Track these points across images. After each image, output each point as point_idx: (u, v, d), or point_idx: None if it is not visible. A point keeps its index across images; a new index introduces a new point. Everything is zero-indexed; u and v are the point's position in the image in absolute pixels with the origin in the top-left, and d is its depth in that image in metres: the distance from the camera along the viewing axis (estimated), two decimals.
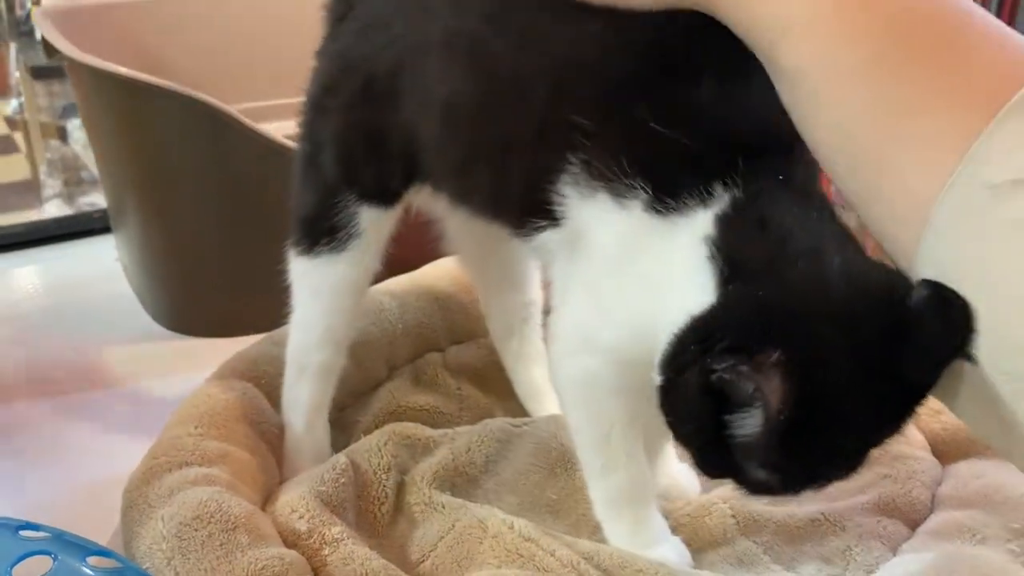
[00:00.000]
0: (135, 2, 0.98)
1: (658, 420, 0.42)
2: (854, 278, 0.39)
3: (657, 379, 0.41)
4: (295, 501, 0.52)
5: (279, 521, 0.52)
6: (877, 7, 0.37)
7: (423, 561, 0.52)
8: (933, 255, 0.36)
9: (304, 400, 0.60)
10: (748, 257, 0.40)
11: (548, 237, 0.45)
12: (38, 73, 2.37)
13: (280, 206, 0.77)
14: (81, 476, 0.67)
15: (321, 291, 0.58)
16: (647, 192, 0.41)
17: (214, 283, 0.81)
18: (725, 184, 0.41)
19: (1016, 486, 0.51)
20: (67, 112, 2.49)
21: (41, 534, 0.48)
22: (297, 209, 0.58)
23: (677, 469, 0.57)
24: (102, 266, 0.94)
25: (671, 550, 0.49)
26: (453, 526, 0.52)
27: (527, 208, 0.45)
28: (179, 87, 0.70)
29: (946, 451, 0.57)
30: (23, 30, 2.88)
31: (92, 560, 0.47)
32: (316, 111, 0.55)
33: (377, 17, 0.52)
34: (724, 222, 0.40)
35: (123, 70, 0.69)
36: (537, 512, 0.56)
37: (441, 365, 0.69)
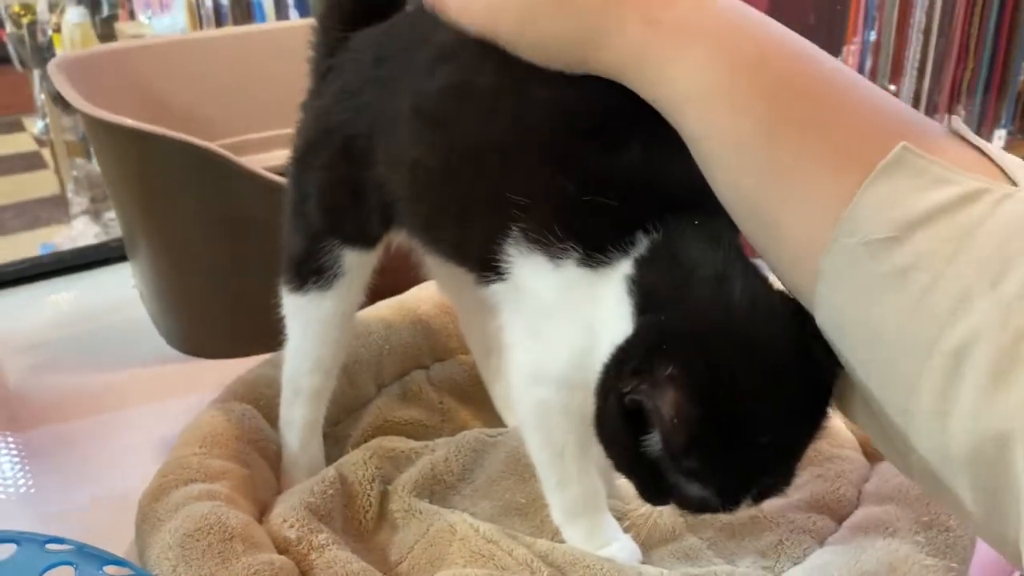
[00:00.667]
0: (142, 47, 1.05)
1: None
2: (756, 302, 0.43)
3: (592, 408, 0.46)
4: (286, 512, 0.59)
5: (272, 530, 0.58)
6: (762, 81, 0.41)
7: (401, 562, 0.58)
8: (826, 302, 0.40)
9: (298, 420, 0.66)
10: (657, 289, 0.44)
11: (497, 288, 0.51)
12: (60, 99, 2.46)
13: (276, 237, 0.84)
14: (104, 491, 0.72)
15: (311, 324, 0.64)
16: (578, 252, 0.46)
17: (221, 309, 0.88)
18: (645, 231, 0.46)
19: None
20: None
21: (65, 547, 0.54)
22: (287, 250, 0.64)
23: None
24: (121, 293, 1.01)
25: (620, 548, 0.55)
26: (427, 530, 0.58)
27: (482, 263, 0.50)
28: (180, 135, 0.76)
29: (874, 451, 0.62)
30: (46, 56, 2.98)
31: (109, 569, 0.53)
32: (302, 165, 0.61)
33: (352, 83, 0.57)
34: (641, 262, 0.45)
35: (128, 121, 0.75)
36: (507, 515, 0.62)
37: (425, 381, 0.75)
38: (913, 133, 0.39)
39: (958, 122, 0.40)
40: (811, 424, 0.44)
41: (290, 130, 1.11)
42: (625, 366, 0.43)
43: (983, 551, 0.58)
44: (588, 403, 0.47)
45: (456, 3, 0.49)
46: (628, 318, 0.45)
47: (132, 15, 2.61)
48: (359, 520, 0.61)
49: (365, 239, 0.60)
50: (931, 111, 2.70)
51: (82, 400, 0.83)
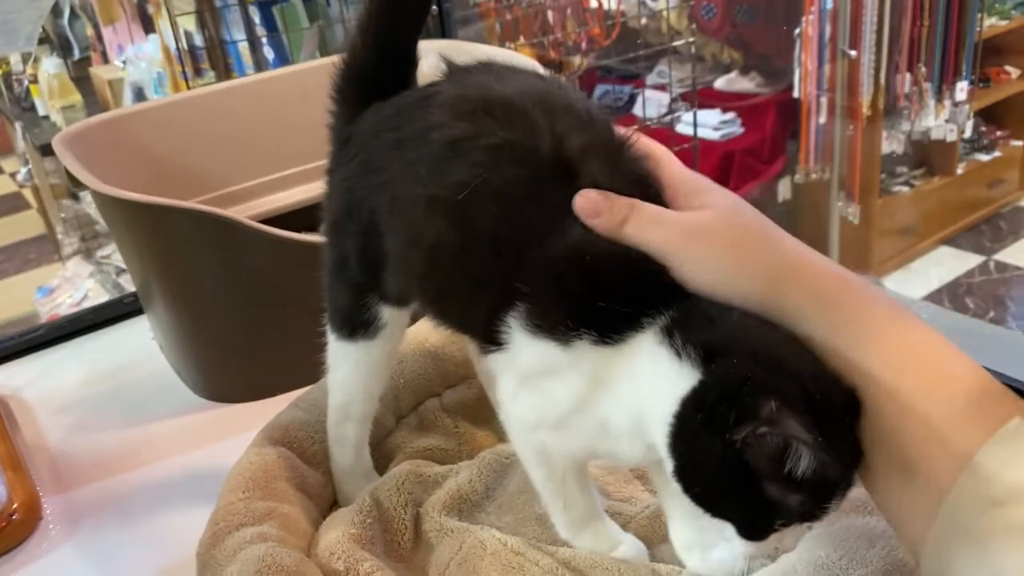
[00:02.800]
0: (135, 112, 1.11)
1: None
2: (792, 337, 0.48)
3: (669, 463, 0.49)
4: (332, 545, 0.65)
5: (321, 563, 0.64)
6: None
7: None
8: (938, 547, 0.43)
9: (352, 437, 0.74)
10: (714, 341, 0.48)
11: (497, 357, 0.56)
12: (45, 150, 2.51)
13: (287, 287, 0.90)
14: (157, 542, 0.78)
15: (360, 366, 0.71)
16: (593, 336, 0.50)
17: (240, 357, 0.94)
18: (656, 313, 0.50)
19: None
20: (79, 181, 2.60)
21: None
22: (333, 301, 0.70)
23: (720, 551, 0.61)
24: (141, 346, 1.07)
25: (629, 548, 0.62)
26: (460, 547, 0.65)
27: (484, 335, 0.55)
28: (188, 204, 0.82)
29: None
30: (24, 106, 3.01)
31: None
32: (338, 230, 0.66)
33: (374, 160, 0.61)
34: (673, 326, 0.49)
35: (142, 197, 0.81)
36: (528, 524, 0.68)
37: (439, 408, 0.82)
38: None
39: None
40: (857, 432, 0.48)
41: (282, 173, 1.18)
42: (721, 414, 0.46)
43: None
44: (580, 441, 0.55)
45: (633, 227, 0.50)
46: (687, 370, 0.48)
47: (105, 58, 2.66)
48: (398, 543, 0.68)
49: (397, 300, 0.66)
50: (892, 71, 2.78)
51: (123, 456, 0.89)
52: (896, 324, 0.48)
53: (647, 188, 0.54)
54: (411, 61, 0.65)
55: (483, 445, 0.78)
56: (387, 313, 0.67)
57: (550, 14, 2.20)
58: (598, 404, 0.52)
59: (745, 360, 0.47)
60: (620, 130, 0.57)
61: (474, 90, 0.57)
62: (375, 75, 0.64)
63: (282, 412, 0.79)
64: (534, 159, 0.52)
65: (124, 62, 2.13)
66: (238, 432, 0.78)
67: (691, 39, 2.67)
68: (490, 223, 0.52)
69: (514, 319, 0.52)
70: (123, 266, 2.92)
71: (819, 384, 0.46)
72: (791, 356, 0.47)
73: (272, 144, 1.15)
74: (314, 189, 1.15)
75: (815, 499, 0.47)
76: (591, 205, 0.51)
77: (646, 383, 0.50)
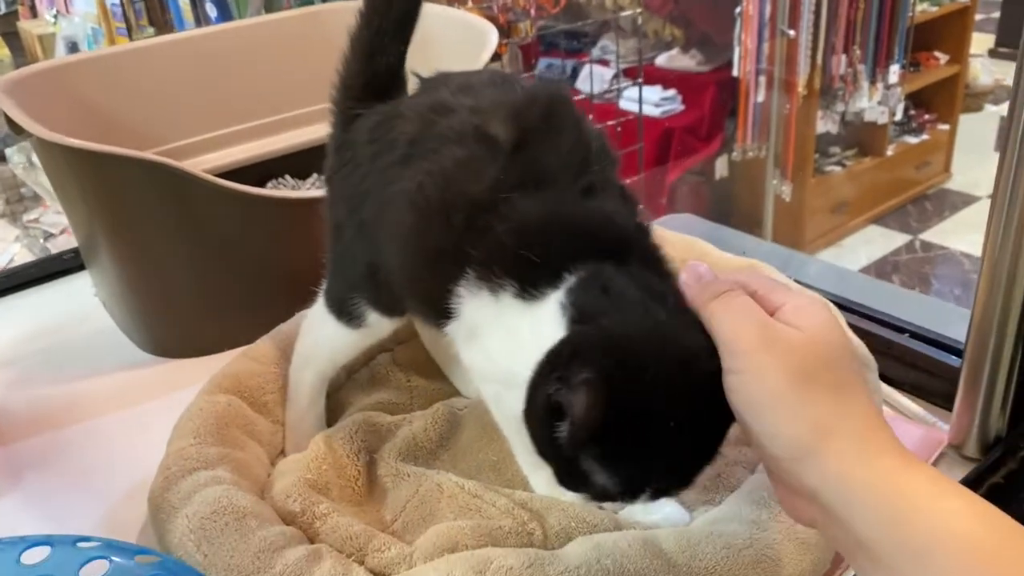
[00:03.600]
0: (80, 61, 1.08)
1: None
2: (672, 327, 0.48)
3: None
4: (288, 488, 0.66)
5: (277, 505, 0.65)
6: None
7: (396, 520, 0.65)
8: None
9: (309, 381, 0.75)
10: (586, 308, 0.50)
11: (452, 327, 0.58)
12: (11, 122, 2.40)
13: (237, 241, 0.89)
14: (104, 491, 0.77)
15: (335, 340, 0.72)
16: (514, 287, 0.53)
17: (188, 311, 0.93)
18: (571, 272, 0.52)
19: None
20: (6, 141, 2.53)
21: (94, 544, 0.60)
22: (331, 280, 0.71)
23: (668, 507, 0.65)
24: (82, 303, 1.05)
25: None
26: (417, 490, 0.66)
27: (440, 311, 0.58)
28: (140, 154, 0.81)
29: None
30: None
31: (139, 559, 0.60)
32: (341, 233, 0.68)
33: (359, 168, 0.64)
34: (574, 289, 0.51)
35: (91, 145, 0.79)
36: (483, 471, 0.70)
37: (391, 363, 0.82)
38: None
39: None
40: (714, 441, 0.49)
41: (228, 130, 1.16)
42: (552, 369, 0.48)
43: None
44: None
45: (720, 305, 0.48)
46: (558, 329, 0.50)
47: (34, 12, 2.57)
48: (352, 488, 0.68)
49: (385, 309, 0.68)
50: (829, 52, 2.84)
51: (67, 409, 0.87)
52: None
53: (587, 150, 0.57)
54: (399, 72, 0.69)
55: (436, 399, 0.79)
56: (373, 317, 0.68)
57: None
58: (521, 359, 0.52)
59: (597, 331, 0.48)
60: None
61: (425, 95, 0.63)
62: (365, 85, 0.68)
63: (231, 361, 0.79)
64: (477, 139, 0.57)
65: (55, 16, 2.06)
66: (185, 386, 0.77)
67: (637, 10, 2.69)
68: (443, 200, 0.56)
69: (464, 283, 0.55)
70: (51, 230, 2.84)
71: (670, 380, 0.46)
72: (650, 341, 0.47)
73: (219, 100, 1.14)
74: (261, 147, 1.14)
75: (622, 483, 0.48)
76: (694, 277, 0.51)
77: (543, 333, 0.51)
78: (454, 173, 0.57)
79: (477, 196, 0.55)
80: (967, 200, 3.31)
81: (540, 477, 0.64)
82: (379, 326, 0.69)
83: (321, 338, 0.74)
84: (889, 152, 3.20)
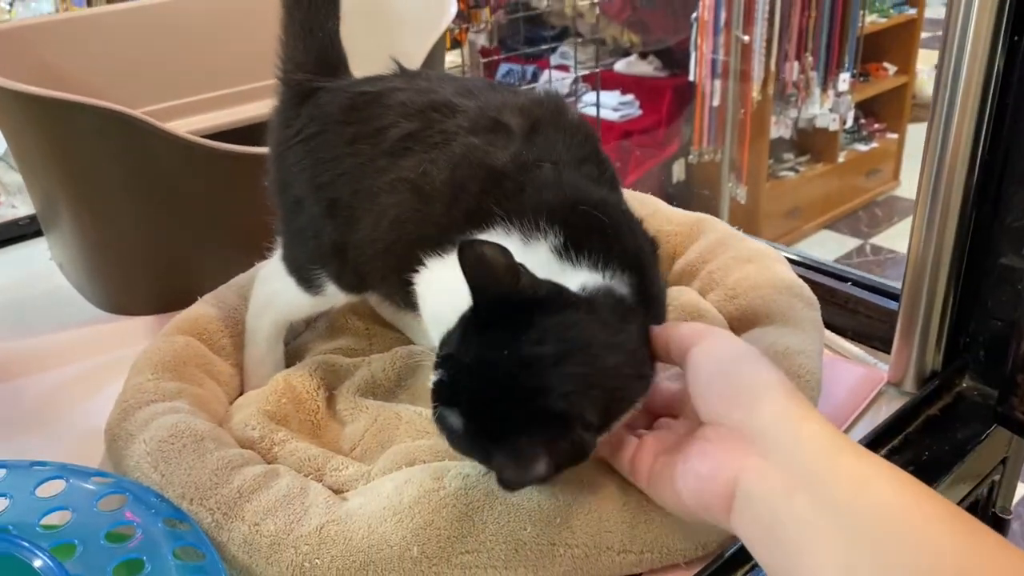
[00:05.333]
0: (38, 24, 1.08)
1: None
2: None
3: None
4: (247, 418, 0.66)
5: (235, 434, 0.65)
6: None
7: (354, 448, 0.66)
8: None
9: (267, 327, 0.76)
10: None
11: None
12: None
13: (196, 196, 0.90)
14: (59, 432, 0.77)
15: (292, 302, 0.74)
16: (557, 239, 0.58)
17: (146, 267, 0.93)
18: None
19: (775, 342, 0.69)
20: None
21: (49, 467, 0.61)
22: (289, 246, 0.72)
23: None
24: (39, 266, 1.04)
25: None
26: (376, 419, 0.67)
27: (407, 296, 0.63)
28: (95, 101, 0.81)
29: (739, 326, 0.74)
30: None
31: (95, 479, 0.60)
32: (298, 208, 0.69)
33: (331, 152, 0.66)
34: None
35: (48, 92, 0.79)
36: None
37: (350, 312, 0.83)
38: None
39: None
40: None
41: (188, 99, 1.16)
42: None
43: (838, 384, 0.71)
44: None
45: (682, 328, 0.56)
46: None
47: None
48: (311, 421, 0.69)
49: (346, 286, 0.70)
50: (782, 58, 2.92)
51: (22, 362, 0.87)
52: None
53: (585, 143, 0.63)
54: (339, 44, 0.72)
55: (395, 345, 0.80)
56: (332, 289, 0.70)
57: None
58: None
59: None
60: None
61: (419, 95, 0.65)
62: (316, 60, 0.70)
63: (191, 307, 0.79)
64: (491, 128, 0.61)
65: (11, 3, 2.04)
66: (142, 342, 0.78)
67: (596, 13, 2.73)
68: (451, 180, 0.60)
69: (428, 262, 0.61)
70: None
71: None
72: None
73: (180, 68, 1.14)
74: (229, 115, 1.15)
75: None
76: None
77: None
78: (467, 157, 0.61)
79: (499, 167, 0.60)
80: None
81: None
82: (336, 297, 0.71)
83: (278, 293, 0.75)
84: (840, 159, 3.28)
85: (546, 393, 0.49)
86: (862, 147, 3.39)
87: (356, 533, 0.54)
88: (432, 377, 0.53)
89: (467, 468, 0.56)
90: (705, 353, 0.53)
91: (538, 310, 0.52)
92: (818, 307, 0.74)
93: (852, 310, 0.82)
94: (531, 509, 0.54)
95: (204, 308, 0.79)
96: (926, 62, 3.62)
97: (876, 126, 3.44)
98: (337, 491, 0.60)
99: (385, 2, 1.17)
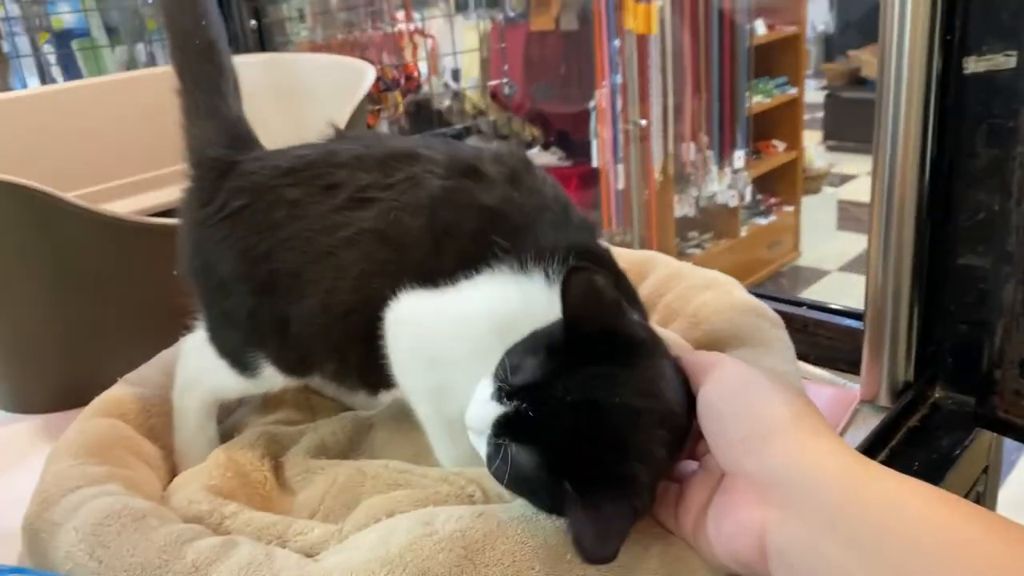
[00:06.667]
0: None
1: None
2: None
3: None
4: (191, 494, 0.59)
5: (180, 512, 0.58)
6: None
7: (314, 515, 0.59)
8: None
9: (194, 407, 0.69)
10: None
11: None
12: None
13: (109, 276, 0.83)
14: None
15: (223, 382, 0.67)
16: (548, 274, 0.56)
17: (54, 359, 0.85)
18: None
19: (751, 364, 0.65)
20: None
21: None
22: (218, 332, 0.66)
23: None
24: None
25: None
26: (335, 480, 0.61)
27: None
28: None
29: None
30: None
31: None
32: (227, 290, 0.63)
33: (266, 217, 0.61)
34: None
35: None
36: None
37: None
38: None
39: None
40: None
41: (118, 182, 1.10)
42: None
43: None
44: None
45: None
46: None
47: None
48: (259, 494, 0.62)
49: (287, 368, 0.64)
50: (679, 139, 3.01)
51: None
52: None
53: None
54: (244, 121, 0.68)
55: (339, 412, 0.74)
56: (269, 372, 0.64)
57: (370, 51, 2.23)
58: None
59: None
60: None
61: (373, 147, 0.62)
62: (230, 135, 0.66)
63: (111, 388, 0.72)
64: (466, 174, 0.59)
65: None
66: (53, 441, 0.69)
67: (493, 118, 2.78)
68: (433, 221, 0.57)
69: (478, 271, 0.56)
70: None
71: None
72: None
73: (103, 151, 1.08)
74: (133, 204, 1.09)
75: None
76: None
77: None
78: (448, 199, 0.58)
79: (492, 205, 0.57)
80: (818, 275, 3.51)
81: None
82: (273, 380, 0.65)
83: (207, 371, 0.68)
84: (743, 233, 3.38)
85: (636, 448, 0.47)
86: (762, 221, 3.50)
87: None
88: (493, 405, 0.49)
89: (458, 510, 0.51)
90: (711, 395, 0.49)
91: (635, 351, 0.49)
92: (783, 326, 0.72)
93: (812, 333, 0.80)
94: (537, 546, 0.48)
95: (126, 388, 0.71)
96: (809, 140, 3.81)
97: (772, 200, 3.57)
98: (307, 556, 0.53)
99: (293, 78, 1.15)
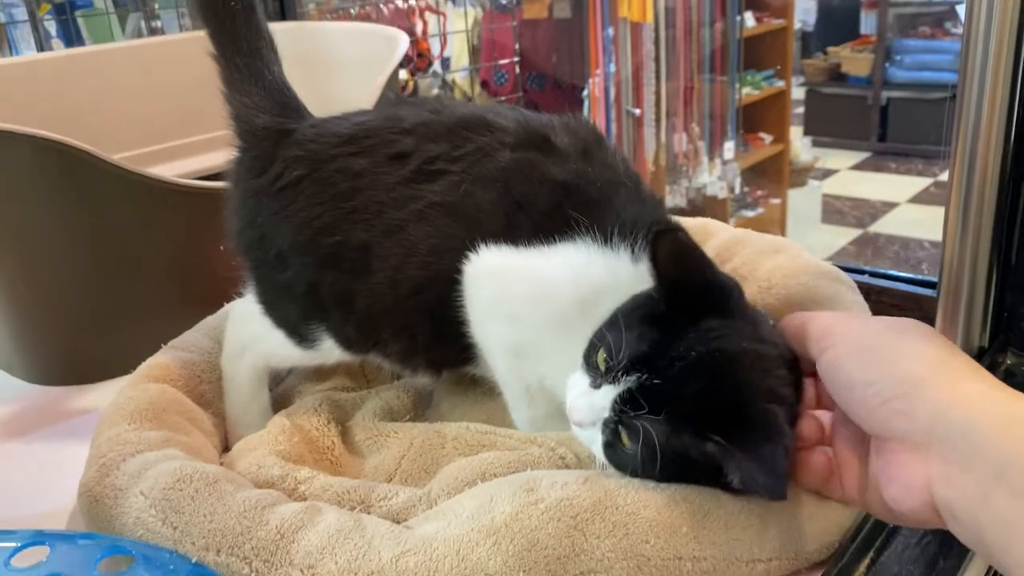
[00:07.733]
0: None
1: None
2: None
3: None
4: (259, 459, 0.56)
5: (251, 476, 0.54)
6: None
7: (391, 480, 0.56)
8: None
9: (246, 371, 0.65)
10: None
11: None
12: None
13: (144, 241, 0.79)
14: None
15: (279, 350, 0.64)
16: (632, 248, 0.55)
17: (87, 329, 0.81)
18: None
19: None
20: None
21: (17, 535, 0.48)
22: (275, 306, 0.63)
23: None
24: None
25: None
26: (411, 443, 0.57)
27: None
28: (30, 129, 0.70)
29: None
30: None
31: (81, 541, 0.48)
32: (279, 259, 0.60)
33: (324, 193, 0.58)
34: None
35: None
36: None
37: None
38: None
39: None
40: None
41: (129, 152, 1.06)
42: None
43: None
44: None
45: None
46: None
47: None
48: (328, 459, 0.59)
49: (347, 342, 0.61)
50: (671, 130, 3.00)
51: None
52: None
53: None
54: (289, 87, 0.65)
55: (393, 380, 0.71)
56: (327, 344, 0.61)
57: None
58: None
59: None
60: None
61: (440, 114, 0.60)
62: (279, 103, 0.63)
63: (160, 352, 0.68)
64: (539, 147, 0.58)
65: None
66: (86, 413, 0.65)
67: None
68: (504, 196, 0.56)
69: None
70: None
71: None
72: None
73: (116, 119, 1.04)
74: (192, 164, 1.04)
75: None
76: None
77: None
78: (520, 172, 0.56)
79: (567, 180, 0.56)
80: None
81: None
82: (331, 354, 0.62)
83: (259, 339, 0.65)
84: (731, 225, 3.37)
85: (771, 391, 0.46)
86: (749, 213, 3.50)
87: (443, 562, 0.44)
88: (604, 390, 0.47)
89: (561, 475, 0.48)
90: (836, 362, 0.46)
91: (733, 301, 0.49)
92: (858, 290, 0.70)
93: (876, 301, 0.78)
94: (650, 518, 0.45)
95: (173, 354, 0.68)
96: (793, 134, 3.82)
97: (759, 193, 3.57)
98: (394, 521, 0.49)
99: (320, 47, 1.11)
